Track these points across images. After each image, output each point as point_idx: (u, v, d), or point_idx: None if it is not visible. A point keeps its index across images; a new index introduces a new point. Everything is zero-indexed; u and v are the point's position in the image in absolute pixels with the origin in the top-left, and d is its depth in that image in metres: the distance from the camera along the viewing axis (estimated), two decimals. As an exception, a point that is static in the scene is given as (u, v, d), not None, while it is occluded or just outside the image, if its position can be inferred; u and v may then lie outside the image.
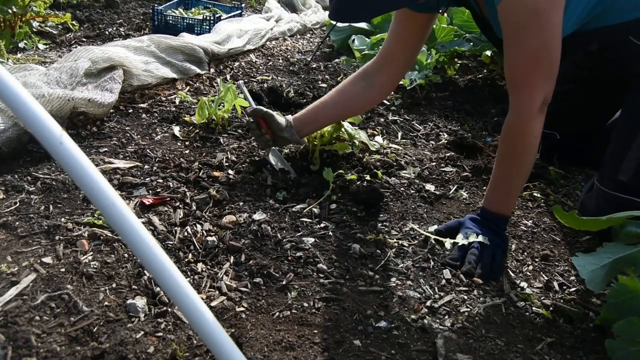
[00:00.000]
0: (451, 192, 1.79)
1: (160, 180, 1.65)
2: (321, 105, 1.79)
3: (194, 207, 1.53)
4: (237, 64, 3.08)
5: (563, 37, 1.41)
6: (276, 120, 1.75)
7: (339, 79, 2.93)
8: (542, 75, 1.33)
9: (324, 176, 1.67)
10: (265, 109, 1.75)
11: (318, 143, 1.89)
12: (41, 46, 3.00)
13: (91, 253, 1.28)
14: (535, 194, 1.83)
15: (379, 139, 2.11)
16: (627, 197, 1.45)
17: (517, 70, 1.35)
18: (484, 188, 1.84)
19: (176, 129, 2.04)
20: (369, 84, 1.74)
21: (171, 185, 1.62)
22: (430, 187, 1.79)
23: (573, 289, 1.36)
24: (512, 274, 1.38)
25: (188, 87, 2.59)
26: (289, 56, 3.48)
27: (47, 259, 1.24)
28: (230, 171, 1.75)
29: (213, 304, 1.17)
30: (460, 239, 1.39)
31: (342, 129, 1.91)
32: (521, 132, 1.38)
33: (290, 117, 1.78)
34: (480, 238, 1.36)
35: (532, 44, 1.30)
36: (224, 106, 2.13)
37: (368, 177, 1.77)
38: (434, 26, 3.34)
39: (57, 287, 1.15)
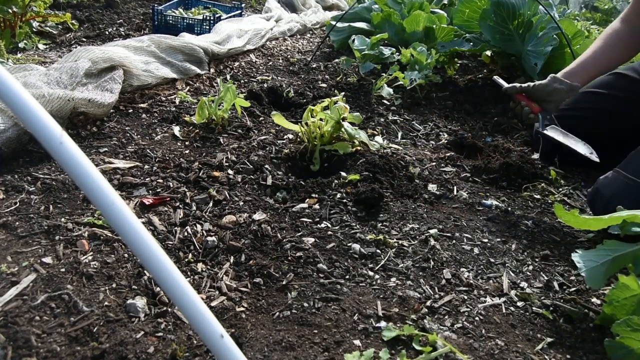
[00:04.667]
0: (451, 192, 1.78)
1: (160, 180, 1.65)
2: (589, 57, 1.78)
3: (194, 207, 1.53)
4: (237, 64, 3.08)
5: None
6: (538, 87, 1.73)
7: (338, 79, 2.93)
8: None
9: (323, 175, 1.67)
10: (519, 85, 1.72)
11: (318, 143, 1.89)
12: (41, 46, 3.00)
13: (91, 253, 1.28)
14: (535, 194, 1.83)
15: (379, 139, 2.12)
16: None
17: None
18: (486, 188, 1.84)
19: (176, 129, 2.04)
20: (631, 29, 1.74)
21: (171, 185, 1.62)
22: (430, 187, 1.79)
23: (573, 289, 1.36)
24: (512, 274, 1.38)
25: (188, 87, 2.59)
26: (289, 56, 3.48)
27: (47, 259, 1.24)
28: (230, 171, 1.75)
29: (213, 304, 1.17)
30: None
31: (342, 129, 1.91)
32: None
33: (552, 75, 1.77)
34: None
35: None
36: (223, 106, 2.13)
37: (368, 177, 1.77)
38: (434, 26, 3.35)
39: (57, 287, 1.15)
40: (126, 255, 1.30)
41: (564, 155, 2.04)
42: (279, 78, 2.94)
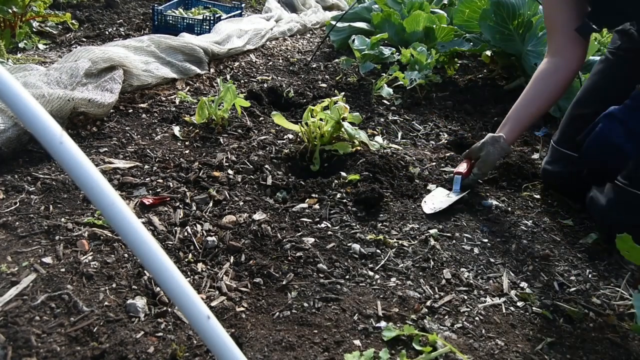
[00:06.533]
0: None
1: (160, 180, 1.65)
2: (520, 106, 1.80)
3: (194, 207, 1.53)
4: (237, 64, 3.08)
5: None
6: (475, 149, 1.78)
7: (337, 78, 2.93)
8: None
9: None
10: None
11: (318, 143, 1.89)
12: (41, 46, 3.00)
13: (91, 253, 1.28)
14: (535, 194, 1.83)
15: (379, 139, 2.12)
16: None
17: None
18: (486, 188, 1.84)
19: (176, 129, 2.04)
20: (555, 68, 1.73)
21: (171, 185, 1.62)
22: (430, 187, 1.79)
23: (573, 289, 1.36)
24: (512, 274, 1.38)
25: (188, 87, 2.59)
26: (289, 56, 3.48)
27: (47, 259, 1.24)
28: (230, 171, 1.75)
29: (213, 304, 1.17)
30: None
31: (342, 129, 1.91)
32: None
33: (490, 135, 1.79)
34: None
35: None
36: (223, 106, 2.13)
37: (368, 177, 1.77)
38: (434, 26, 3.35)
39: (57, 287, 1.15)
40: (126, 255, 1.30)
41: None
42: (279, 78, 2.94)
